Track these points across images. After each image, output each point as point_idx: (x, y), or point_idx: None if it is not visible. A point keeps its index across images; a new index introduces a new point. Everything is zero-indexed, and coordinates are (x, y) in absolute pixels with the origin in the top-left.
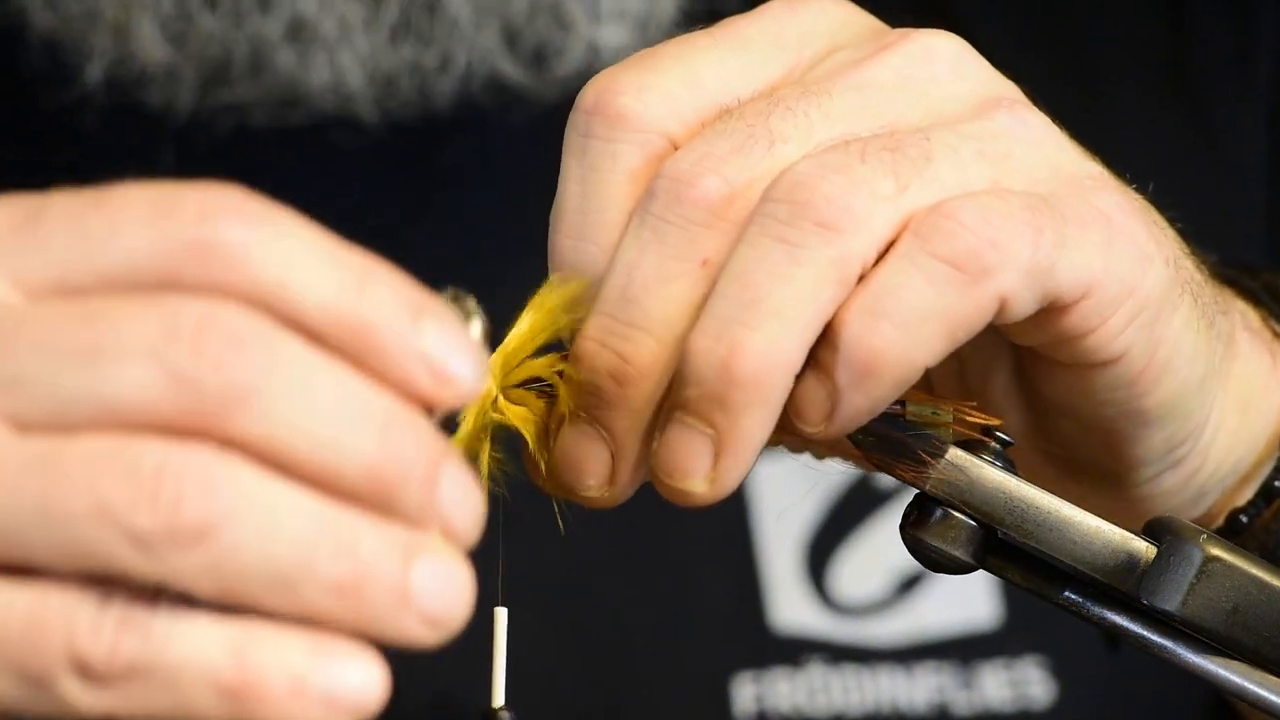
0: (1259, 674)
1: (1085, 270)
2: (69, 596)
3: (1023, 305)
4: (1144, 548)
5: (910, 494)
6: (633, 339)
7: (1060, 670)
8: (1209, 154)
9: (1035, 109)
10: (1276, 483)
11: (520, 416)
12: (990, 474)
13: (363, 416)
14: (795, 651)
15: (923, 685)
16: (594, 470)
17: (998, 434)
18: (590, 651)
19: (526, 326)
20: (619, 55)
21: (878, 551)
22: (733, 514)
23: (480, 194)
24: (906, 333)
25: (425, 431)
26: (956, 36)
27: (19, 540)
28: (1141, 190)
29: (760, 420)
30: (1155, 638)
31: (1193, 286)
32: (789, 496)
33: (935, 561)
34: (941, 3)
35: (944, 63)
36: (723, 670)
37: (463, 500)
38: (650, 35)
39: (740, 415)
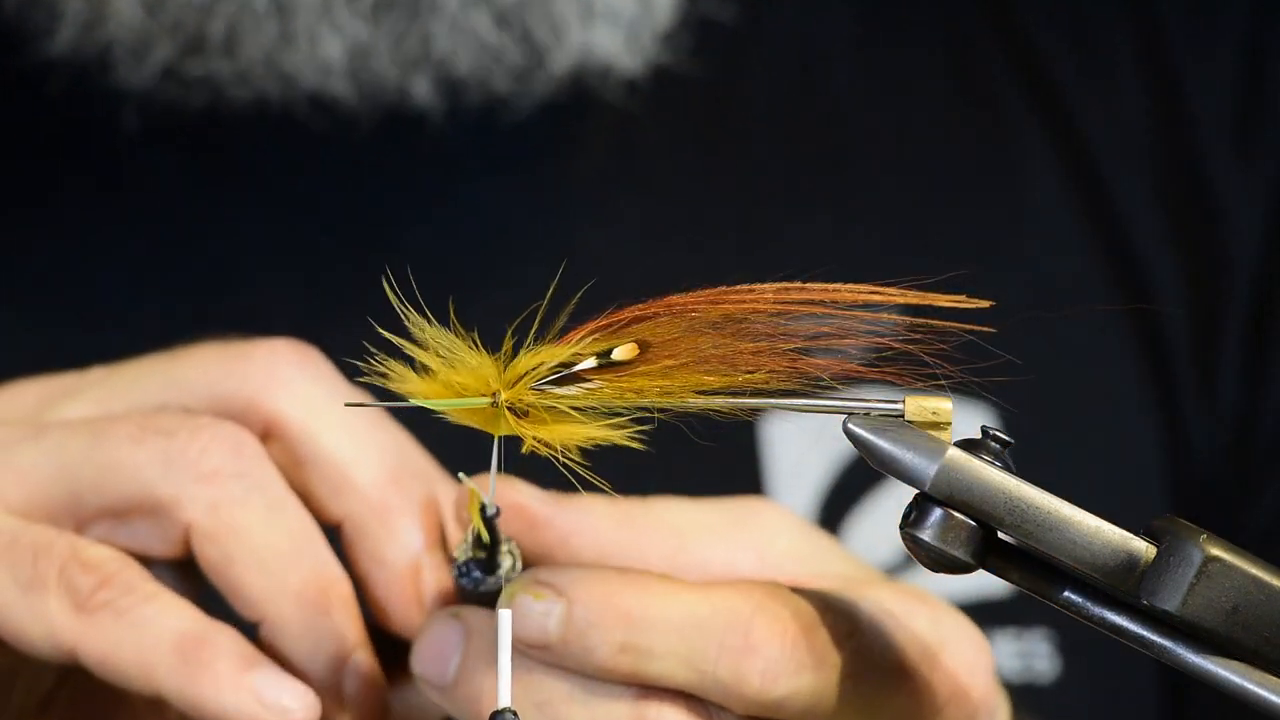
0: (1259, 674)
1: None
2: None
3: None
4: (1144, 548)
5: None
6: None
7: (1069, 644)
8: (1202, 223)
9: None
10: None
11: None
12: (990, 474)
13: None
14: None
15: None
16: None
17: (997, 434)
18: None
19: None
20: (612, 57)
21: (887, 517)
22: (744, 478)
23: (465, 181)
24: None
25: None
26: None
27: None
28: None
29: None
30: (1155, 638)
31: None
32: (800, 459)
33: (935, 561)
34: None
35: None
36: None
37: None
38: (642, 42)
39: None
